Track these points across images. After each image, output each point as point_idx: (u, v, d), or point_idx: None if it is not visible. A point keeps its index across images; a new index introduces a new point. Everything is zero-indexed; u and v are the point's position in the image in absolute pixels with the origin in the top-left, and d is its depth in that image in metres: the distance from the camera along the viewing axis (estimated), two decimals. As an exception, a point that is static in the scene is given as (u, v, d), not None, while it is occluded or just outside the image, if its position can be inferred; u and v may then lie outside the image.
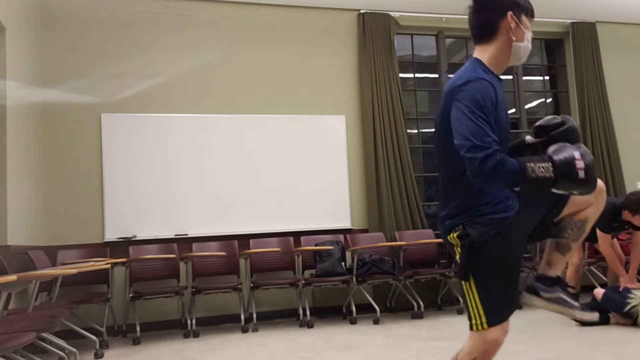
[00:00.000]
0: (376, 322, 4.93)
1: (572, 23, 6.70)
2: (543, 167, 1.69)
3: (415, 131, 6.41)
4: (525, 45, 1.88)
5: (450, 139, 1.76)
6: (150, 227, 5.27)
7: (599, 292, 4.20)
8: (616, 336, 3.78)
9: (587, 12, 6.57)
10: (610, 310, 4.12)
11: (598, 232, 4.38)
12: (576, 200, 1.94)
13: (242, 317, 4.95)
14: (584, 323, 4.22)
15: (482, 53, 1.89)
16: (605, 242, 4.39)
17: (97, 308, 4.94)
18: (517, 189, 1.76)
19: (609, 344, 3.54)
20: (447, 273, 5.41)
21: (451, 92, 1.79)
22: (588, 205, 1.99)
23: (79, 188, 5.19)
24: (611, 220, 4.34)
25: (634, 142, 6.74)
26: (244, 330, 4.83)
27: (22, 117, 4.61)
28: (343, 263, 5.30)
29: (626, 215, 4.28)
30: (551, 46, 7.05)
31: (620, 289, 4.13)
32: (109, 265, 4.46)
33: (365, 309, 5.28)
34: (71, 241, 5.10)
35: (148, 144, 5.36)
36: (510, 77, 6.75)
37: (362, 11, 6.04)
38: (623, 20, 6.91)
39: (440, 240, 5.54)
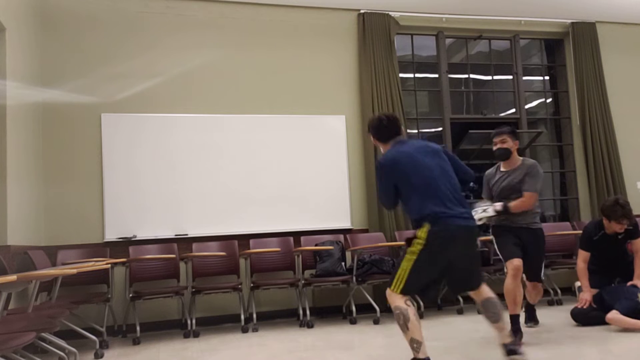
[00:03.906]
0: (376, 322, 4.93)
1: (572, 23, 6.70)
2: None
3: (415, 131, 6.41)
4: None
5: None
6: (150, 227, 5.27)
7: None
8: (616, 336, 3.78)
9: (587, 12, 6.57)
10: (615, 307, 4.04)
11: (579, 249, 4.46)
12: None
13: (242, 317, 4.95)
14: (584, 323, 4.23)
15: None
16: (579, 258, 4.42)
17: (97, 308, 4.95)
18: None
19: (609, 344, 3.54)
20: (447, 273, 5.39)
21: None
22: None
23: (79, 188, 5.19)
24: (592, 235, 4.39)
25: (634, 142, 6.74)
26: (244, 330, 4.83)
27: (22, 117, 4.62)
28: (343, 263, 5.30)
29: (605, 223, 4.30)
30: (551, 46, 7.05)
31: (624, 289, 4.14)
32: (109, 265, 4.46)
33: (365, 309, 5.28)
34: (71, 241, 5.10)
35: (148, 143, 5.37)
36: (510, 77, 6.75)
37: (362, 11, 6.05)
38: (623, 20, 6.91)
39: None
